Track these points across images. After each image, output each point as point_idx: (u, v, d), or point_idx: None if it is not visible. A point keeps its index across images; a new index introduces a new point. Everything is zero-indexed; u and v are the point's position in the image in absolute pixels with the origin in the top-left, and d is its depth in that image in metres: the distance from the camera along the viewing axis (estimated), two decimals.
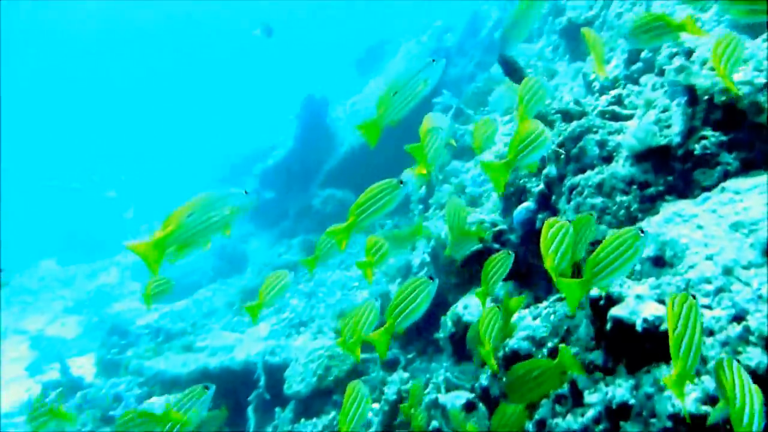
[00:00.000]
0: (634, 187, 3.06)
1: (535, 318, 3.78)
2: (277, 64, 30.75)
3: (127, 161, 24.83)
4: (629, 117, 3.49)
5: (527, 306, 4.21)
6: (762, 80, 2.93)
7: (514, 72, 5.01)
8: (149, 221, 18.43)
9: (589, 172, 3.30)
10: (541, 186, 4.04)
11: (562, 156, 3.55)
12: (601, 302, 2.84)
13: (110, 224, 18.97)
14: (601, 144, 3.38)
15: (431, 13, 16.83)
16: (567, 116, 3.73)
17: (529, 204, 4.20)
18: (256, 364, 6.28)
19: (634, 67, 4.15)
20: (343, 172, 11.11)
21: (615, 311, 2.71)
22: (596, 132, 3.44)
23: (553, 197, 3.74)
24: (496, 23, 10.90)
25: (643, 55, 4.06)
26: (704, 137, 2.96)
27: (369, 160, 10.87)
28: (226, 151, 17.46)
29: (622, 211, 3.04)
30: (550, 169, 3.85)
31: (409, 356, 6.45)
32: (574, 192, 3.31)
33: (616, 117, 3.53)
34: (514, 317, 3.59)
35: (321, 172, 11.49)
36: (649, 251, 2.86)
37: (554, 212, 3.85)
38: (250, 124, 19.80)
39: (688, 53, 3.25)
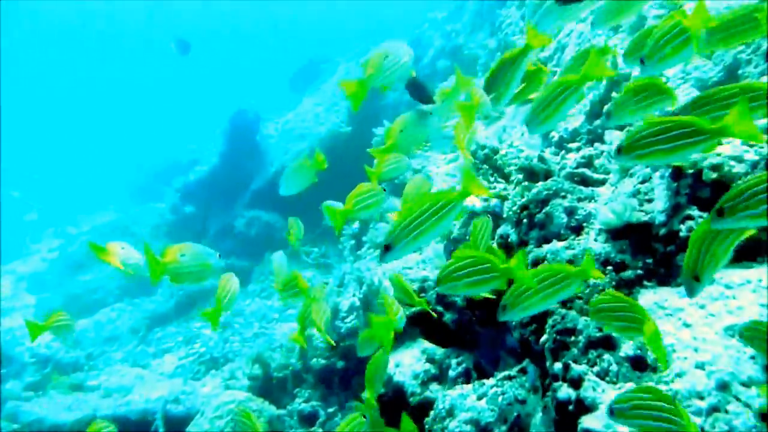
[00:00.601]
0: (610, 268, 2.66)
1: (480, 398, 3.32)
2: (208, 76, 29.63)
3: (39, 162, 23.05)
4: (601, 182, 3.11)
5: (469, 380, 3.76)
6: (753, 156, 2.61)
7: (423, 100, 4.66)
8: (55, 225, 16.93)
9: (556, 244, 2.89)
10: (494, 246, 3.61)
11: (524, 220, 3.13)
12: (570, 407, 2.40)
13: (8, 226, 17.35)
14: (570, 211, 2.98)
15: (369, 36, 16.52)
16: (531, 174, 3.32)
17: None
18: (155, 414, 5.52)
19: (597, 122, 3.81)
20: (272, 193, 10.40)
21: (588, 424, 2.28)
22: (564, 197, 3.03)
23: None
24: (438, 52, 10.61)
25: (606, 108, 3.74)
26: (690, 217, 2.60)
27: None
28: (143, 161, 16.38)
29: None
30: (506, 230, 3.44)
31: (330, 410, 5.88)
32: (538, 264, 2.88)
33: (585, 181, 3.15)
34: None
35: (247, 191, 10.79)
36: (627, 348, 2.46)
37: None
38: (175, 135, 18.69)
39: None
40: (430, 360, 4.31)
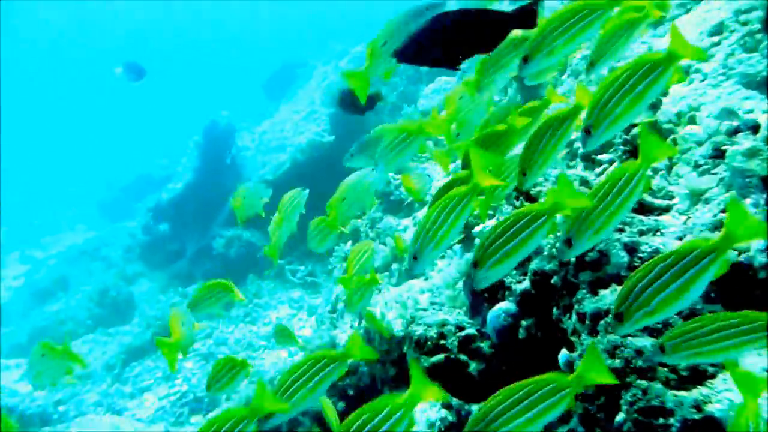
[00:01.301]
0: None
1: None
2: (178, 85, 28.68)
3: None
4: (665, 209, 2.54)
5: None
6: None
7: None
8: (20, 247, 15.97)
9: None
10: (526, 284, 3.04)
11: (570, 261, 2.55)
12: None
13: None
14: (632, 248, 2.41)
15: (345, 37, 15.88)
16: None
17: (508, 305, 3.19)
18: None
19: (635, 131, 3.24)
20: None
21: None
22: (622, 230, 2.47)
23: (556, 310, 2.73)
24: None
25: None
26: None
27: (281, 198, 9.65)
28: (112, 176, 15.54)
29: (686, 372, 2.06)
30: (541, 264, 2.86)
31: None
32: (601, 323, 2.31)
33: (644, 208, 2.58)
34: None
35: (225, 209, 10.10)
36: None
37: (551, 326, 2.86)
38: (145, 148, 17.86)
39: (755, 128, 2.37)
40: (447, 405, 3.75)
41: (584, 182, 3.09)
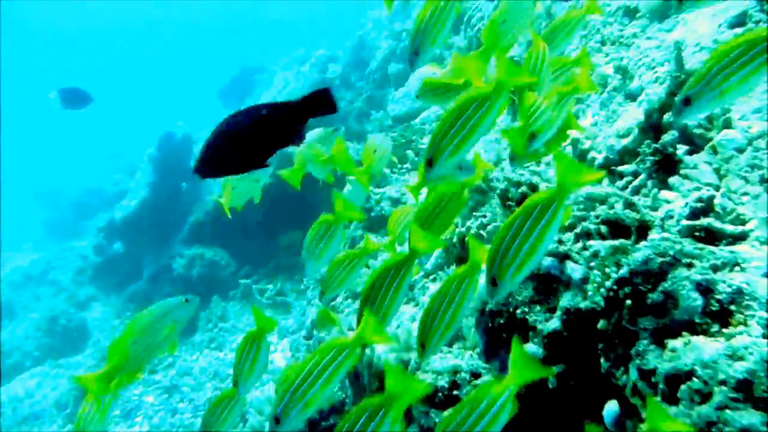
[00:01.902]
0: None
1: None
2: (130, 94, 27.48)
3: None
4: (740, 237, 2.10)
5: None
6: None
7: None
8: None
9: (704, 345, 1.86)
10: (555, 324, 2.57)
11: (627, 302, 2.09)
12: None
13: None
14: (706, 288, 1.96)
15: (305, 39, 15.29)
16: (616, 228, 2.29)
17: (533, 348, 2.72)
18: None
19: (667, 137, 2.80)
20: (214, 226, 9.14)
21: None
22: (690, 265, 2.01)
23: (604, 361, 2.26)
24: (388, 54, 9.57)
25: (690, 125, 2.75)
26: None
27: (247, 212, 9.02)
28: (60, 191, 14.57)
29: None
30: (574, 301, 2.40)
31: None
32: (683, 388, 1.84)
33: (713, 236, 2.14)
34: None
35: (185, 225, 9.42)
36: None
37: (590, 376, 2.40)
38: (94, 161, 16.84)
39: None
40: None
41: (601, 201, 2.63)
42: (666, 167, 2.66)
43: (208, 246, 9.09)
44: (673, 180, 2.38)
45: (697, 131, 2.71)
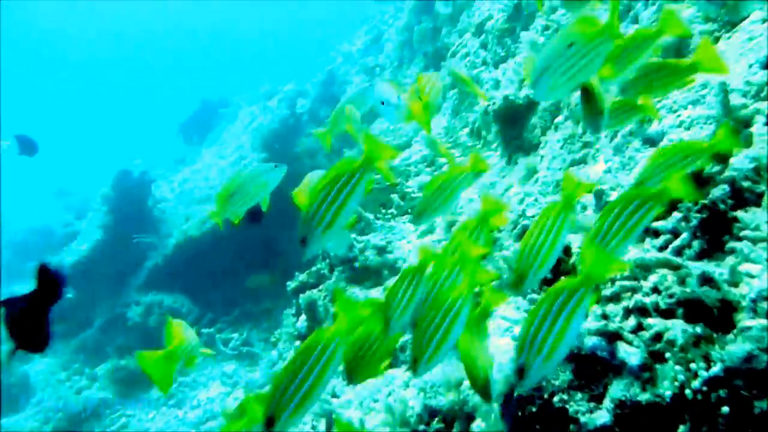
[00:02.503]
0: None
1: None
2: (82, 125, 26.46)
3: None
4: None
5: None
6: None
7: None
8: None
9: None
10: (605, 418, 2.17)
11: None
12: None
13: None
14: None
15: (271, 72, 14.93)
16: (689, 306, 1.93)
17: None
18: None
19: (718, 192, 2.46)
20: (174, 271, 8.53)
21: None
22: None
23: None
24: None
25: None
26: None
27: (209, 256, 8.47)
28: (2, 227, 13.61)
29: None
30: (629, 393, 2.00)
31: None
32: None
33: None
34: None
35: (141, 271, 8.77)
36: None
37: None
38: (41, 200, 15.86)
39: None
40: None
41: (641, 266, 2.27)
42: (715, 226, 2.31)
43: (168, 292, 8.45)
44: (739, 245, 2.03)
45: (745, 184, 2.38)
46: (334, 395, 4.09)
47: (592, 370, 2.12)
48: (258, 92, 10.69)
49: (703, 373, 1.58)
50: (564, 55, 1.73)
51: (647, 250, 2.23)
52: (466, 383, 3.13)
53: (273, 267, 9.09)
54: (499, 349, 2.81)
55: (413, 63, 8.11)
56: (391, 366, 4.07)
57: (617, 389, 2.00)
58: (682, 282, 1.87)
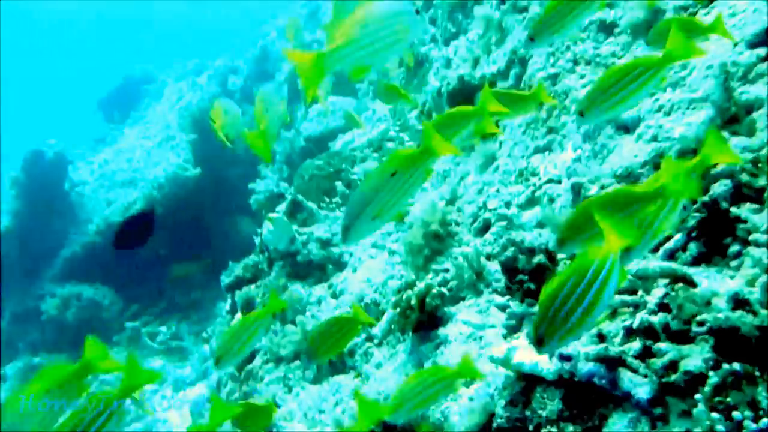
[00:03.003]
0: None
1: None
2: None
3: None
4: None
5: None
6: None
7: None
8: None
9: None
10: None
11: None
12: None
13: None
14: None
15: (198, 47, 14.12)
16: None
17: None
18: None
19: (719, 189, 2.20)
20: (94, 260, 7.83)
21: None
22: None
23: None
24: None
25: None
26: None
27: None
28: None
29: None
30: (631, 430, 1.73)
31: None
32: None
33: None
34: None
35: (56, 260, 8.03)
36: None
37: None
38: None
39: None
40: None
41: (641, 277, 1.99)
42: (715, 227, 2.05)
43: (88, 283, 7.77)
44: (756, 251, 1.76)
45: (744, 178, 2.13)
46: (275, 404, 3.70)
47: (586, 398, 1.83)
48: (185, 68, 9.99)
49: (751, 426, 1.29)
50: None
51: (651, 260, 1.94)
52: None
53: (203, 255, 8.54)
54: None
55: None
56: (337, 372, 3.73)
57: (620, 424, 1.71)
58: (707, 305, 1.58)
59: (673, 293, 1.66)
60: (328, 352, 2.51)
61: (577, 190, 2.55)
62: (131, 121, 9.93)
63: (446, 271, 3.19)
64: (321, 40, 8.51)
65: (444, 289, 3.12)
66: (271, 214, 4.18)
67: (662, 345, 1.58)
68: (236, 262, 6.71)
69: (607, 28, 3.41)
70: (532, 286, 1.95)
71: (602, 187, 2.72)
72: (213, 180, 7.84)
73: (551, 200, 3.11)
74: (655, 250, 2.19)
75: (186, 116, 8.17)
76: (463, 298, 3.06)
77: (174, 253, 8.25)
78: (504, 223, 3.21)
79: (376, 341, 3.50)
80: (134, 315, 7.89)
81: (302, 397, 3.67)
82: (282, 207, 4.44)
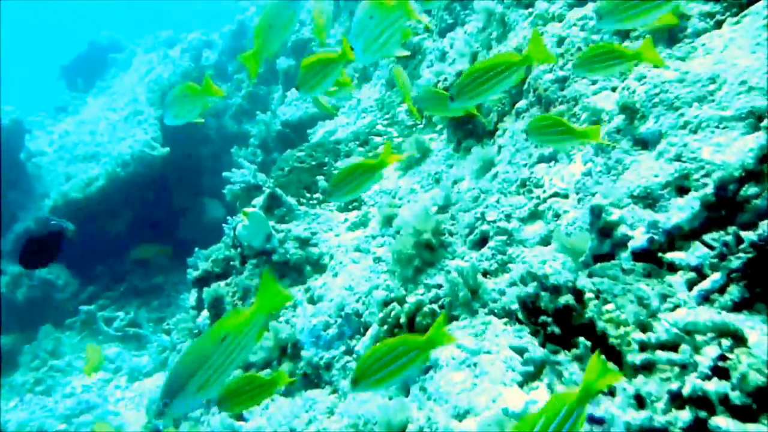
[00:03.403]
0: None
1: None
2: None
3: None
4: None
5: None
6: None
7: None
8: None
9: None
10: None
11: None
12: None
13: None
14: None
15: (171, 18, 13.54)
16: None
17: None
18: None
19: None
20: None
21: None
22: None
23: None
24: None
25: None
26: None
27: (93, 222, 7.36)
28: None
29: None
30: None
31: None
32: None
33: None
34: None
35: (9, 235, 7.53)
36: None
37: None
38: None
39: None
40: None
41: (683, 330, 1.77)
42: (763, 268, 1.83)
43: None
44: None
45: None
46: (242, 418, 3.41)
47: None
48: (158, 38, 9.46)
49: None
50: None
51: (688, 304, 1.70)
52: (411, 428, 2.55)
53: (168, 237, 8.15)
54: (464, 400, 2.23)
55: (337, 21, 7.31)
56: (312, 386, 3.46)
57: None
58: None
59: (732, 357, 1.43)
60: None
61: (597, 213, 2.30)
62: (96, 91, 9.37)
63: (439, 286, 2.93)
64: (303, 19, 8.11)
65: (436, 306, 2.87)
66: (246, 209, 3.86)
67: (721, 422, 1.35)
68: (203, 249, 6.35)
69: (620, 31, 3.17)
70: (557, 330, 1.70)
71: (619, 208, 2.49)
72: (182, 159, 7.44)
73: (557, 216, 2.87)
74: (689, 288, 1.96)
75: (156, 90, 7.71)
76: (457, 318, 2.81)
77: (137, 234, 7.84)
78: (503, 238, 2.97)
79: (357, 357, 3.24)
80: (90, 297, 7.48)
81: (272, 411, 3.38)
82: (259, 200, 4.11)
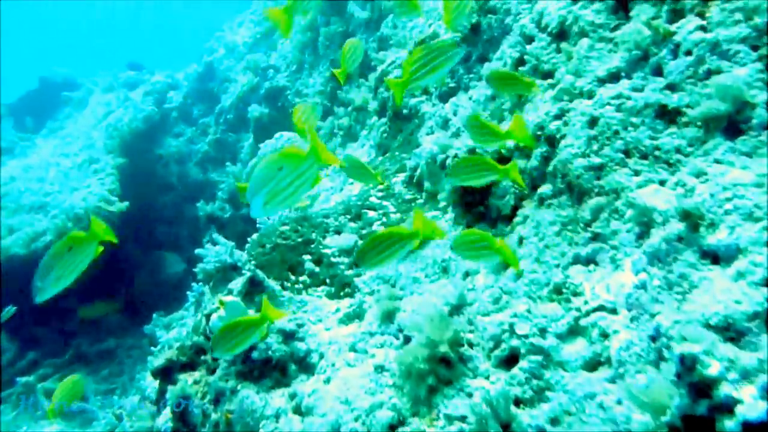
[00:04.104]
0: None
1: None
2: None
3: None
4: None
5: None
6: None
7: None
8: None
9: None
10: None
11: None
12: None
13: None
14: None
15: (131, 52, 12.92)
16: None
17: None
18: None
19: None
20: None
21: None
22: None
23: None
24: (247, 92, 7.78)
25: None
26: None
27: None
28: None
29: None
30: None
31: None
32: None
33: None
34: None
35: None
36: None
37: None
38: None
39: None
40: None
41: None
42: None
43: None
44: None
45: None
46: None
47: None
48: (117, 78, 8.84)
49: None
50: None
51: None
52: None
53: (122, 293, 7.47)
54: None
55: (316, 70, 6.88)
56: None
57: None
58: None
59: None
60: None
61: (690, 364, 1.84)
62: (47, 132, 8.65)
63: (462, 419, 2.43)
64: (278, 66, 7.63)
65: None
66: (223, 298, 3.31)
67: None
68: (161, 314, 5.73)
69: (667, 114, 2.79)
70: None
71: (698, 343, 2.05)
72: (140, 209, 6.80)
73: (604, 335, 2.42)
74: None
75: (115, 136, 7.09)
76: None
77: (87, 290, 7.11)
78: (539, 357, 2.50)
79: None
80: (30, 365, 6.68)
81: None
82: (237, 284, 3.55)
